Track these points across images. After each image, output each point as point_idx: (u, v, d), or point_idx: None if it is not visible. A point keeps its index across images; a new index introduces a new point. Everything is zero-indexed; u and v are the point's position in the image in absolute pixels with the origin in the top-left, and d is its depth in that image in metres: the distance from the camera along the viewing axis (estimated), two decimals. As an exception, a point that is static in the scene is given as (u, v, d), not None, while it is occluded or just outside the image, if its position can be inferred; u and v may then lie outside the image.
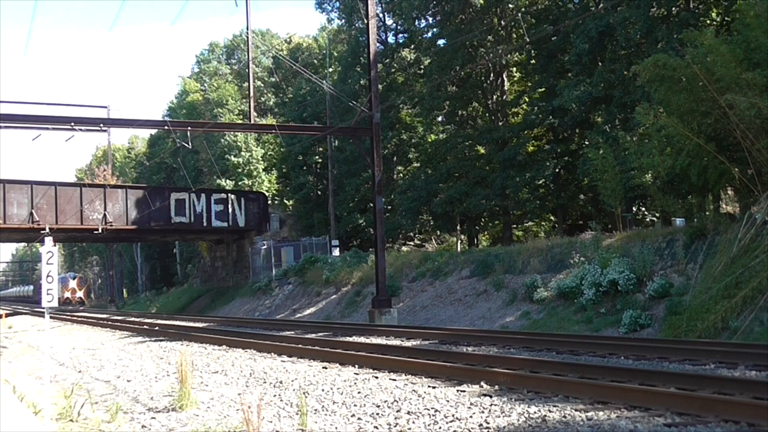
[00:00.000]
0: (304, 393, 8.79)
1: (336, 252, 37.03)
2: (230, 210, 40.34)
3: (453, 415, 7.18)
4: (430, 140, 42.28)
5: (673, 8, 25.43)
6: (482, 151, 36.12)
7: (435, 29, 38.25)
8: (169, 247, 67.04)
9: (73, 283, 70.99)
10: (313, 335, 18.01)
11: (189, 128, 25.01)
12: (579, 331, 16.57)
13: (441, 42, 37.24)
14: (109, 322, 29.19)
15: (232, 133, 49.42)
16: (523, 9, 33.54)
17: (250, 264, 42.54)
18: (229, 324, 26.13)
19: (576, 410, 7.05)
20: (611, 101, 26.96)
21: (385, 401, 8.15)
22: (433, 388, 8.84)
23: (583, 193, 32.72)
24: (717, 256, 15.31)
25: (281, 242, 41.72)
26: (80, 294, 71.14)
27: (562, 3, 32.65)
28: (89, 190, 37.66)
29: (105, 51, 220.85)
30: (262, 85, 58.46)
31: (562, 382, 8.19)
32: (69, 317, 36.71)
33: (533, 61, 34.58)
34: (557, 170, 32.58)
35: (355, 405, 8.09)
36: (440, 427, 6.81)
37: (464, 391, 8.48)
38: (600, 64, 28.29)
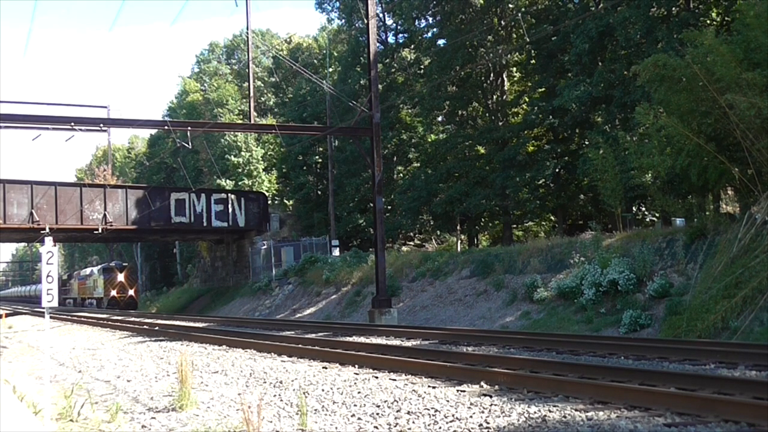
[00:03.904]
0: (304, 393, 8.79)
1: (336, 252, 37.04)
2: (230, 210, 40.34)
3: (453, 415, 7.17)
4: (430, 140, 42.28)
5: (673, 8, 25.44)
6: (482, 151, 36.12)
7: (435, 29, 38.26)
8: (169, 247, 66.96)
9: (121, 277, 52.28)
10: (313, 335, 18.01)
11: (189, 128, 25.00)
12: (579, 331, 16.57)
13: (441, 42, 37.26)
14: (109, 322, 29.17)
15: (232, 133, 49.42)
16: (523, 9, 33.54)
17: (250, 264, 42.54)
18: (229, 324, 26.13)
19: (576, 410, 7.05)
20: (611, 101, 26.96)
21: (385, 401, 8.15)
22: (433, 388, 8.84)
23: (583, 193, 32.71)
24: (717, 256, 15.31)
25: (281, 242, 41.72)
26: (131, 292, 52.65)
27: (562, 3, 32.65)
28: (89, 190, 37.65)
29: (105, 51, 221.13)
30: (262, 85, 58.46)
31: (562, 382, 8.19)
32: (69, 317, 36.70)
33: (533, 61, 34.58)
34: (557, 170, 32.58)
35: (355, 405, 8.09)
36: (440, 427, 6.81)
37: (464, 391, 8.48)
38: (600, 64, 28.30)
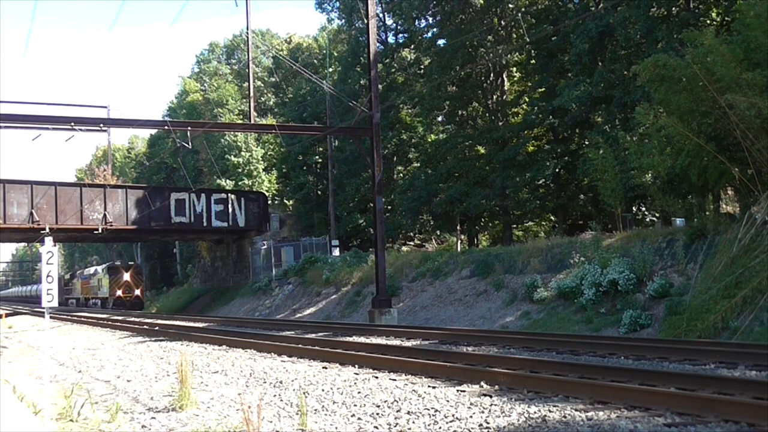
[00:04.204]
0: (304, 393, 8.79)
1: (336, 252, 37.04)
2: (230, 210, 40.35)
3: (453, 415, 7.17)
4: (430, 140, 42.29)
5: (673, 8, 25.44)
6: (482, 151, 36.13)
7: (435, 29, 38.27)
8: (169, 247, 66.94)
9: (127, 276, 51.15)
10: (313, 335, 18.01)
11: (189, 128, 25.00)
12: (579, 331, 16.57)
13: (441, 42, 37.27)
14: (109, 322, 29.17)
15: (232, 133, 49.43)
16: (523, 9, 33.55)
17: (250, 264, 42.54)
18: (229, 324, 26.13)
19: (576, 410, 7.05)
20: (611, 101, 26.96)
21: (385, 401, 8.15)
22: (433, 388, 8.84)
23: (583, 193, 32.73)
24: (717, 256, 15.31)
25: (281, 242, 41.71)
26: (137, 292, 51.43)
27: (562, 3, 32.66)
28: (89, 190, 37.66)
29: (105, 51, 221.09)
30: (262, 85, 58.46)
31: (562, 382, 8.19)
32: (69, 317, 36.70)
33: (533, 61, 34.59)
34: (557, 170, 32.59)
35: (355, 405, 8.09)
36: (440, 427, 6.81)
37: (464, 391, 8.48)
38: (600, 64, 28.30)
